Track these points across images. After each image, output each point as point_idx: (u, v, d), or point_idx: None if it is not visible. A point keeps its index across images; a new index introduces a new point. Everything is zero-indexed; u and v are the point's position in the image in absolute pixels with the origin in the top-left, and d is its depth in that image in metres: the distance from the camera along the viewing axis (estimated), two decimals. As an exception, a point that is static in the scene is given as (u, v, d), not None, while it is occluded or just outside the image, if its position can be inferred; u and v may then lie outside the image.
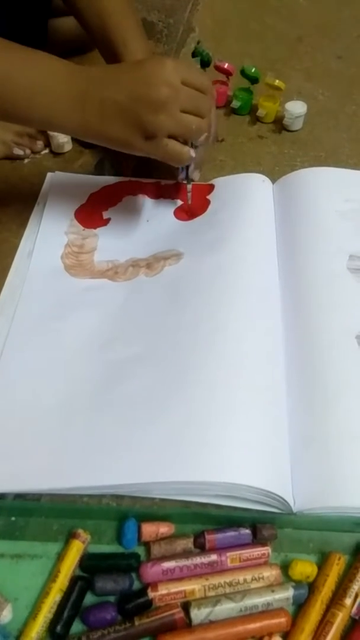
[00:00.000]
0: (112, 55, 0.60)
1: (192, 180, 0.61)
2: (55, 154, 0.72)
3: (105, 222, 0.63)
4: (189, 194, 0.62)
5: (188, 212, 0.63)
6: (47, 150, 0.72)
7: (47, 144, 0.72)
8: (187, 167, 0.59)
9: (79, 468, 0.43)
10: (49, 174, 0.68)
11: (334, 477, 0.43)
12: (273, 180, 0.66)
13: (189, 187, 0.61)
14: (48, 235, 0.61)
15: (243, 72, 0.75)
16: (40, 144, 0.71)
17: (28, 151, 0.71)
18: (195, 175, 0.60)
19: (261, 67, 0.76)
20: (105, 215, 0.64)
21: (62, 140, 0.71)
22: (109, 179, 0.68)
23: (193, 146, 0.53)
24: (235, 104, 0.76)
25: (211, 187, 0.65)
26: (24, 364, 0.50)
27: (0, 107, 0.49)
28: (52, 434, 0.45)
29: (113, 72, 0.52)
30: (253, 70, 0.74)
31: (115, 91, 0.49)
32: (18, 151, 0.70)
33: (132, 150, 0.52)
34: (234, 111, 0.77)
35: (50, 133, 0.70)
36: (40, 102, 0.49)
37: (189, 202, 0.62)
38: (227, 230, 0.59)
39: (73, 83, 0.49)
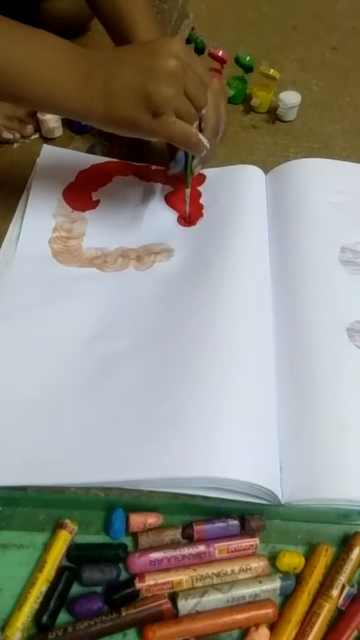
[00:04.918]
0: (124, 42, 0.58)
1: (192, 174, 0.58)
2: (45, 138, 0.71)
3: (95, 204, 0.62)
4: (187, 200, 0.59)
5: (186, 221, 0.61)
6: (37, 135, 0.71)
7: (38, 129, 0.71)
8: (192, 159, 0.56)
9: (65, 464, 0.43)
10: (44, 146, 0.67)
11: (322, 469, 0.43)
12: (266, 171, 0.65)
13: (187, 196, 0.59)
14: (35, 217, 0.60)
15: (237, 61, 0.74)
16: (30, 128, 0.70)
17: (18, 135, 0.69)
18: (197, 169, 0.58)
19: (255, 55, 0.75)
20: (95, 196, 0.63)
21: (53, 125, 0.69)
22: (98, 159, 0.66)
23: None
24: (229, 92, 0.75)
25: (202, 178, 0.64)
26: (9, 355, 0.49)
27: (0, 87, 0.47)
28: (38, 428, 0.45)
29: (119, 51, 0.50)
30: (247, 58, 0.73)
31: (120, 65, 0.47)
32: (7, 135, 0.69)
33: (138, 131, 0.48)
34: (228, 100, 0.76)
35: (41, 117, 0.69)
36: (41, 81, 0.47)
37: (187, 208, 0.60)
38: (219, 227, 0.59)
39: (76, 62, 0.47)
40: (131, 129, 0.48)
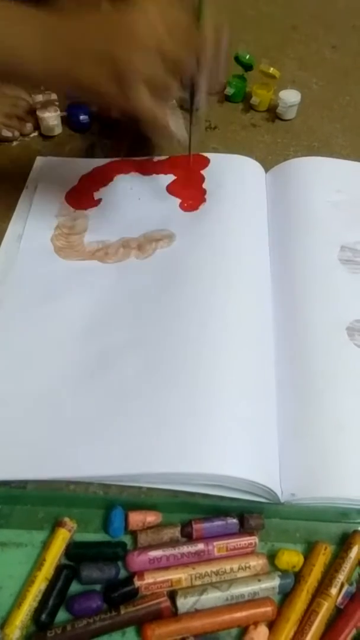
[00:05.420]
0: None
1: (197, 110, 0.54)
2: (44, 137, 0.71)
3: (97, 202, 0.62)
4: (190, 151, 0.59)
5: (186, 172, 0.60)
6: (36, 133, 0.71)
7: (37, 127, 0.71)
8: (193, 96, 0.52)
9: (64, 458, 0.43)
10: (38, 158, 0.67)
11: (321, 467, 0.43)
12: (266, 169, 0.65)
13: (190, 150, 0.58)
14: (38, 218, 0.60)
15: (237, 59, 0.74)
16: (29, 126, 0.70)
17: (17, 133, 0.69)
18: (203, 102, 0.52)
19: (255, 54, 0.74)
20: (97, 195, 0.63)
21: (52, 123, 0.69)
22: (100, 161, 0.66)
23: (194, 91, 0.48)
24: (229, 91, 0.75)
25: (206, 162, 0.64)
26: (12, 350, 0.50)
27: None
28: (37, 422, 0.45)
29: (91, 14, 0.46)
30: (247, 57, 0.73)
31: (89, 27, 0.43)
32: (6, 133, 0.69)
33: (100, 97, 0.45)
34: (227, 98, 0.76)
35: (40, 115, 0.69)
36: (3, 44, 0.43)
37: (190, 154, 0.59)
38: (219, 216, 0.59)
39: (41, 22, 0.44)
40: (94, 95, 0.45)
